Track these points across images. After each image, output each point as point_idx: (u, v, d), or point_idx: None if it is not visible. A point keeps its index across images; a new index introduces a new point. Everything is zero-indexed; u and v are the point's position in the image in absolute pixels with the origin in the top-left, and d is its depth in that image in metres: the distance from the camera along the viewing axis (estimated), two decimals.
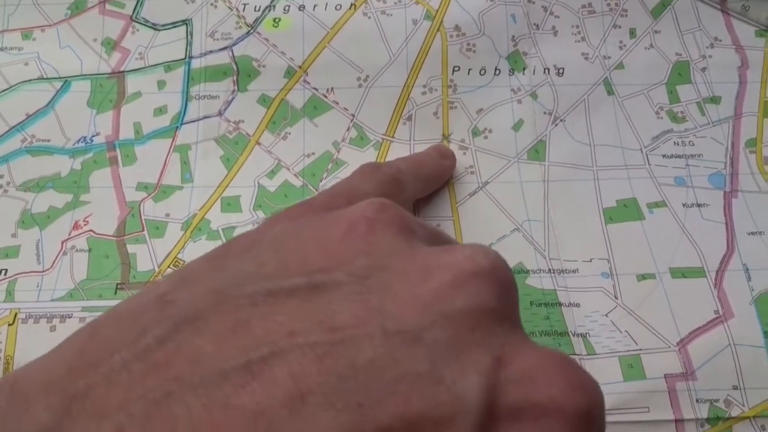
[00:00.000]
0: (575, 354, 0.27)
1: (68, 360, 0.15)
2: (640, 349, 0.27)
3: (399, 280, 0.15)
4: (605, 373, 0.27)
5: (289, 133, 0.33)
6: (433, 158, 0.30)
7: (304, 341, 0.14)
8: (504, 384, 0.14)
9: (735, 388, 0.26)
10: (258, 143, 0.32)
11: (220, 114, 0.33)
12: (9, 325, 0.28)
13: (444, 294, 0.15)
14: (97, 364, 0.14)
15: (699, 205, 0.31)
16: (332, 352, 0.14)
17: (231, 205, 0.31)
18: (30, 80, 0.34)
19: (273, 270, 0.16)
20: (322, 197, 0.22)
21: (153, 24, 0.35)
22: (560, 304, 0.28)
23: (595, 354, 0.27)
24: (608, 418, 0.25)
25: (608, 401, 0.26)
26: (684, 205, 0.31)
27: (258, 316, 0.14)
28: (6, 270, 0.29)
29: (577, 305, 0.28)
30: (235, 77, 0.33)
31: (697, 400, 0.26)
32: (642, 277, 0.29)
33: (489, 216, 0.31)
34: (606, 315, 0.28)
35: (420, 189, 0.29)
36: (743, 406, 0.26)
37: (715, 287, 0.28)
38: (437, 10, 0.34)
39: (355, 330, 0.14)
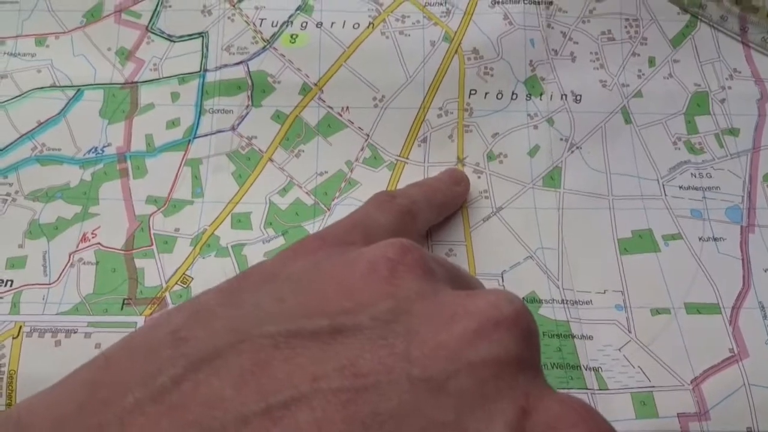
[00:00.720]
0: (587, 389, 0.27)
1: (78, 395, 0.14)
2: (653, 386, 0.27)
3: (423, 325, 0.15)
4: (617, 409, 0.26)
5: (303, 151, 0.32)
6: (446, 184, 0.30)
7: (328, 387, 0.13)
8: None
9: (749, 430, 0.26)
10: (270, 160, 0.32)
11: (233, 129, 0.33)
12: (13, 338, 0.27)
13: (469, 342, 0.14)
14: (109, 402, 0.14)
15: (715, 239, 0.30)
16: (356, 399, 0.13)
17: (241, 221, 0.31)
18: (42, 87, 0.33)
19: (293, 308, 0.15)
20: (336, 230, 0.22)
21: (168, 35, 0.34)
22: (573, 336, 0.28)
23: (608, 389, 0.27)
24: None
25: None
26: (700, 238, 0.30)
27: (279, 359, 0.14)
28: (12, 281, 0.29)
29: (590, 338, 0.28)
30: (249, 92, 0.33)
31: None
32: (656, 311, 0.28)
33: (502, 242, 0.30)
34: (619, 349, 0.28)
35: (433, 217, 0.29)
36: None
37: (730, 325, 0.28)
38: (456, 32, 0.34)
39: (379, 376, 0.14)
